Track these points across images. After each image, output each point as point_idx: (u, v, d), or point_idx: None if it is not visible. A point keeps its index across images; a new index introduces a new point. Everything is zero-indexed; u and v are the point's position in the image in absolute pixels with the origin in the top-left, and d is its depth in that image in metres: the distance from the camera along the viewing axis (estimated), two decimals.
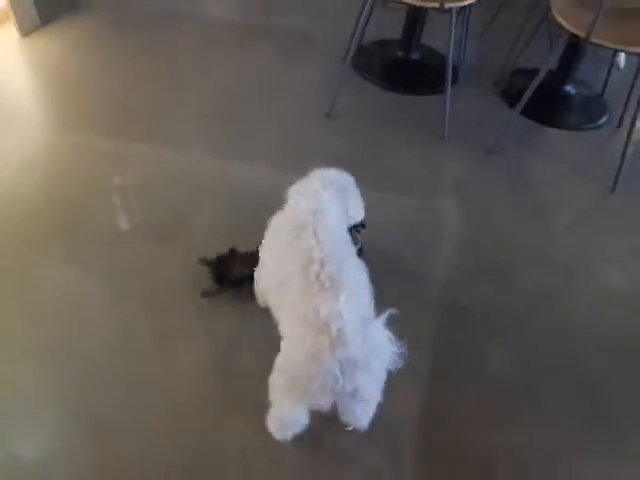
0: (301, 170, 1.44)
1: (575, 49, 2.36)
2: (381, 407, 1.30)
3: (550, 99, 2.59)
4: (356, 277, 1.25)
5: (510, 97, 2.42)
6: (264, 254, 1.40)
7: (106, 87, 2.40)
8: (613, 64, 2.69)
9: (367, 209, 1.62)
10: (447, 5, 1.94)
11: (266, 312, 1.34)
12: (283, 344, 1.16)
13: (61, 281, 1.64)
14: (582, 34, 1.87)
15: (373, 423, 1.31)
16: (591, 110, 2.59)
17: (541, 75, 2.06)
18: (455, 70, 2.61)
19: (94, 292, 1.62)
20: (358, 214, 1.53)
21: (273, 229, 1.40)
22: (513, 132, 2.35)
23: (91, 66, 2.52)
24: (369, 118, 2.40)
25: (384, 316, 1.12)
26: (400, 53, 2.67)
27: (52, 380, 1.42)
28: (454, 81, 2.60)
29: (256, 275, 1.46)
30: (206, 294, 1.58)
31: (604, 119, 2.51)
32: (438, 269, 1.79)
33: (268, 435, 1.30)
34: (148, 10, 2.94)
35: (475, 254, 1.86)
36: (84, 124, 2.20)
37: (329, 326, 1.05)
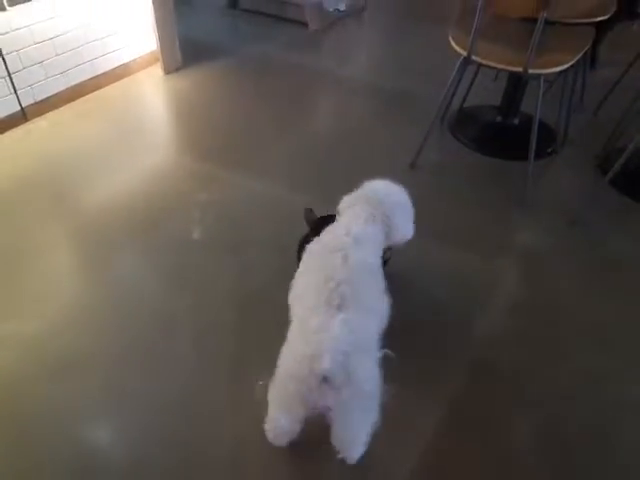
0: None
1: None
2: (376, 446, 1.28)
3: None
4: (371, 306, 1.25)
5: (606, 171, 2.29)
6: (300, 268, 1.42)
7: (220, 120, 2.76)
8: None
9: (426, 257, 1.87)
10: (531, 71, 1.95)
11: None
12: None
13: (131, 266, 1.91)
14: None
15: (364, 459, 1.30)
16: None
17: (630, 148, 1.95)
18: (553, 139, 2.56)
19: (154, 282, 1.85)
20: (406, 231, 1.52)
21: (313, 247, 1.42)
22: (604, 208, 2.21)
23: (212, 102, 2.91)
24: (453, 175, 2.42)
25: (378, 353, 1.13)
26: (499, 118, 2.68)
27: (94, 342, 1.65)
28: (552, 151, 2.55)
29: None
30: None
31: None
32: (481, 327, 1.73)
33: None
34: (270, 59, 3.35)
35: (526, 321, 1.76)
36: (192, 148, 2.55)
37: (315, 337, 1.07)
